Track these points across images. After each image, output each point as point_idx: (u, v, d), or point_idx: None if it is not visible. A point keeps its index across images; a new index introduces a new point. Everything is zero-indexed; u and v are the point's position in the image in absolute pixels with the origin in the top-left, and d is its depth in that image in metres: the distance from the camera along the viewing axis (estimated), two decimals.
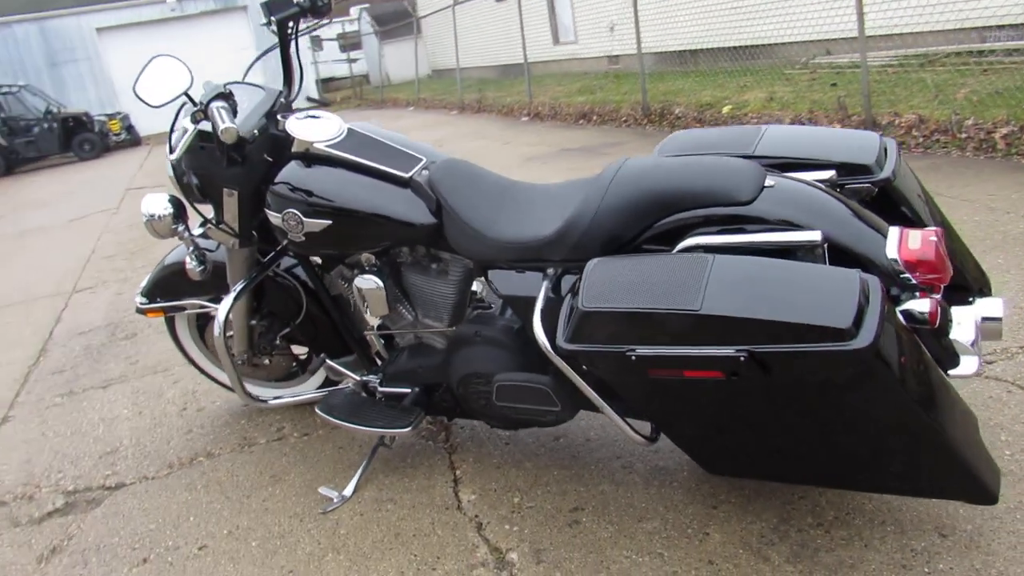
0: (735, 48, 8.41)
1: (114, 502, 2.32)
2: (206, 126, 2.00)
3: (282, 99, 2.18)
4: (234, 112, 2.02)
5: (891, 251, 1.54)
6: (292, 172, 2.00)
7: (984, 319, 1.72)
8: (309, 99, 17.51)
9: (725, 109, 7.34)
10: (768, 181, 1.63)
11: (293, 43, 2.19)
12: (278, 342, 2.46)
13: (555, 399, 1.83)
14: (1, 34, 18.17)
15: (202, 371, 2.73)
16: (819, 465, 1.59)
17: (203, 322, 2.62)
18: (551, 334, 1.62)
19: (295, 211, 1.96)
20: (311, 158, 2.02)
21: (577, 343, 1.52)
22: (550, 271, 1.78)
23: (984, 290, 1.87)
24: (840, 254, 1.55)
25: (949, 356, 1.61)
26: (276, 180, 2.00)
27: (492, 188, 1.96)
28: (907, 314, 1.50)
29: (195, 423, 2.74)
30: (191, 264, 2.21)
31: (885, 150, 1.79)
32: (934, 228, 1.64)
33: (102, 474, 2.50)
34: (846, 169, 1.75)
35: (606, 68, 12.83)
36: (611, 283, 1.52)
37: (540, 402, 1.85)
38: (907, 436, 1.41)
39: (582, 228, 1.70)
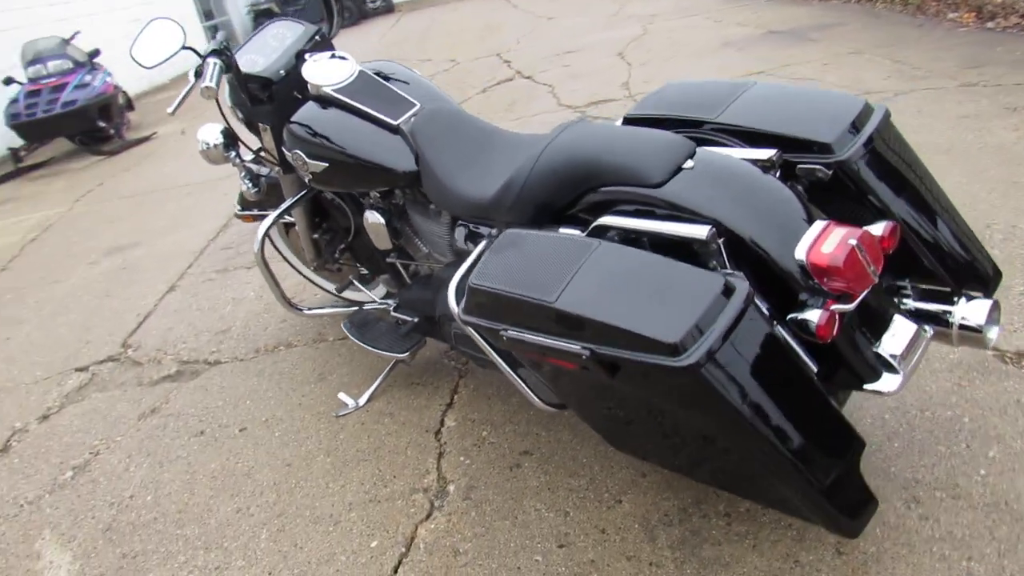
0: None
1: (207, 377, 2.81)
2: (245, 67, 2.23)
3: (318, 37, 2.32)
4: (262, 52, 2.23)
5: (800, 252, 1.40)
6: (304, 113, 2.17)
7: (962, 326, 1.53)
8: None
9: None
10: (687, 163, 1.52)
11: None
12: (338, 255, 2.73)
13: None
14: None
15: (294, 268, 3.10)
16: (693, 465, 1.55)
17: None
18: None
19: (300, 151, 2.14)
20: (323, 100, 2.17)
21: (467, 314, 1.59)
22: (493, 231, 1.83)
23: (988, 287, 1.63)
24: (746, 249, 1.45)
25: (868, 369, 1.46)
26: (290, 120, 2.18)
27: (469, 139, 1.99)
28: (797, 324, 1.38)
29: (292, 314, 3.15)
30: (245, 187, 2.51)
31: (857, 124, 1.56)
32: (885, 224, 1.45)
33: (209, 350, 3.00)
34: (802, 146, 1.57)
35: None
36: (504, 259, 1.55)
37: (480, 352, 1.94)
38: (752, 459, 1.35)
39: (515, 192, 1.72)
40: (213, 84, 1.97)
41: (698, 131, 1.71)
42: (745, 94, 1.73)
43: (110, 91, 7.58)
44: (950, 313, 1.56)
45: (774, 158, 1.55)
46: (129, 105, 8.60)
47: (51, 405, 2.83)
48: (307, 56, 2.25)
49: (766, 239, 1.44)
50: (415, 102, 2.12)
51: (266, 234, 2.41)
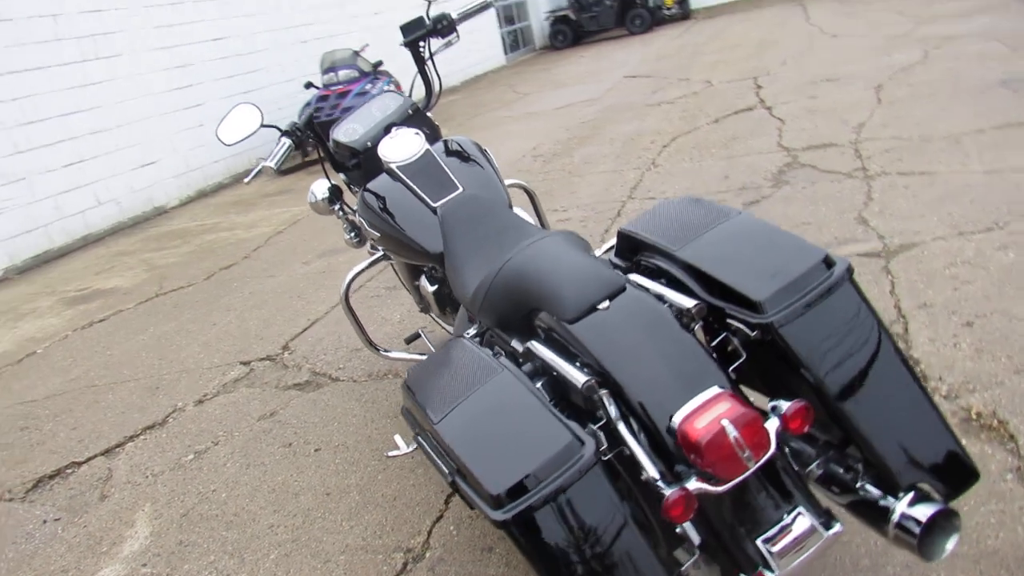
0: None
1: (322, 392, 3.19)
2: (339, 136, 2.50)
3: (410, 111, 2.52)
4: (362, 122, 2.49)
5: (677, 419, 1.32)
6: (375, 183, 2.38)
7: (900, 526, 1.35)
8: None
9: None
10: (603, 303, 1.49)
11: (429, 60, 2.50)
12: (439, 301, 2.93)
13: None
14: None
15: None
16: None
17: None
18: None
19: (363, 218, 2.36)
20: (392, 174, 2.37)
21: (403, 410, 1.72)
22: (472, 328, 1.90)
23: (952, 488, 1.38)
24: (629, 406, 1.39)
25: (745, 559, 1.33)
26: (363, 188, 2.41)
27: (484, 232, 2.07)
28: (656, 496, 1.32)
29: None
30: (346, 237, 2.79)
31: (801, 283, 1.40)
32: (793, 403, 1.31)
33: (337, 366, 3.39)
34: (738, 299, 1.45)
35: None
36: (434, 364, 1.64)
37: None
38: None
39: (481, 298, 1.79)
40: (272, 164, 2.25)
41: (664, 261, 1.64)
42: (718, 227, 1.62)
43: None
44: (891, 509, 1.36)
45: (694, 310, 1.45)
46: None
47: (208, 391, 3.40)
48: (394, 129, 2.46)
49: (650, 398, 1.37)
50: (459, 186, 2.23)
51: (350, 282, 2.69)
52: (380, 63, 8.85)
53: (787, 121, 5.86)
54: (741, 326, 1.43)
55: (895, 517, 1.35)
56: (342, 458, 2.65)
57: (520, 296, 1.66)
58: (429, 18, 2.48)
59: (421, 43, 2.46)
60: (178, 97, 7.97)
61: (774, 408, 1.34)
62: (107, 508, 2.68)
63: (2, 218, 6.23)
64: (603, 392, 1.41)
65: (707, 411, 1.29)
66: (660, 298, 1.52)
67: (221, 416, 3.15)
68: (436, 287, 2.38)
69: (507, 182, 2.69)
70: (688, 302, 1.46)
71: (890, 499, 1.37)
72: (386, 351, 2.92)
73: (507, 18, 17.00)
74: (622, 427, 1.41)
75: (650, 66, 10.80)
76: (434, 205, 2.21)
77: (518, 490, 1.26)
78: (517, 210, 2.52)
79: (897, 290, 2.90)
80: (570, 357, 1.49)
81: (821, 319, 1.40)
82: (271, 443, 2.86)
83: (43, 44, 6.61)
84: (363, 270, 2.69)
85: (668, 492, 1.27)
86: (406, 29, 2.45)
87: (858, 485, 1.44)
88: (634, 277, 1.63)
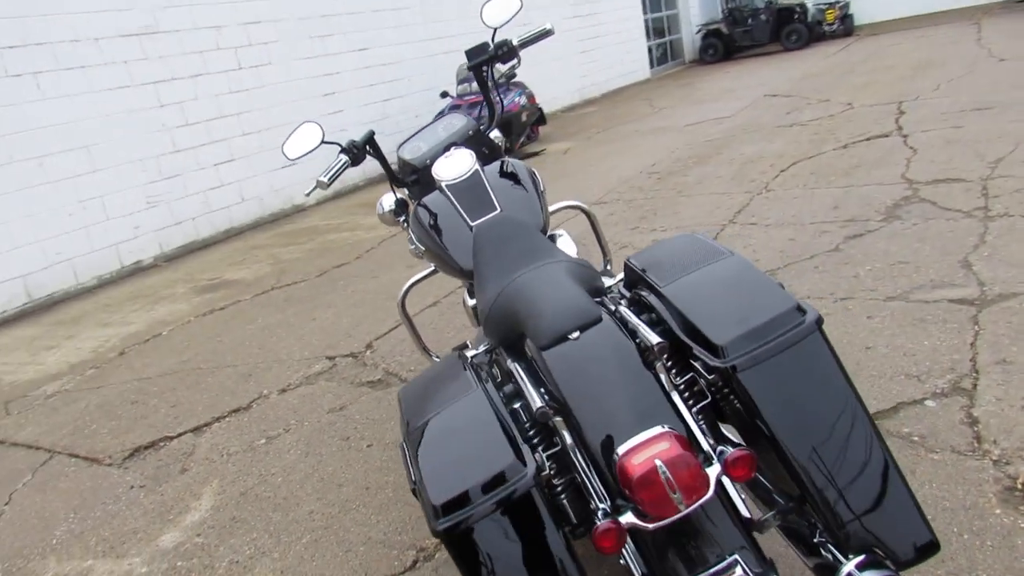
0: None
1: (390, 391, 3.35)
2: (403, 153, 2.65)
3: (471, 132, 2.63)
4: (426, 140, 2.63)
5: (620, 453, 1.35)
6: (427, 199, 2.50)
7: None
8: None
9: None
10: (574, 334, 1.53)
11: (491, 83, 2.60)
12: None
13: None
14: None
15: None
16: None
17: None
18: None
19: (412, 232, 2.49)
20: (442, 190, 2.48)
21: None
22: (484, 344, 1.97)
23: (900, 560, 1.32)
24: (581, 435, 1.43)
25: None
26: (417, 203, 2.53)
27: (508, 254, 2.13)
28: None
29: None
30: (410, 248, 2.93)
31: (764, 330, 1.38)
32: (737, 450, 1.31)
33: (409, 368, 3.55)
34: (704, 342, 1.44)
35: None
36: (429, 376, 1.74)
37: None
38: None
39: (484, 319, 1.87)
40: (325, 179, 2.41)
41: (652, 296, 1.65)
42: (705, 268, 1.61)
43: (514, 110, 8.72)
44: (838, 570, 1.32)
45: (656, 348, 1.45)
46: (540, 120, 9.73)
47: (292, 382, 3.66)
48: (452, 148, 2.57)
49: (599, 430, 1.39)
50: (498, 207, 2.31)
51: (407, 291, 2.83)
52: (514, 75, 9.07)
53: (919, 151, 5.52)
54: (700, 368, 1.43)
55: None
56: (388, 456, 2.80)
57: (512, 319, 1.72)
58: (492, 44, 2.59)
59: (485, 67, 2.57)
60: (322, 104, 8.52)
61: (720, 453, 1.33)
62: (183, 480, 2.96)
63: (157, 210, 6.92)
64: (557, 419, 1.45)
65: (645, 449, 1.30)
66: (634, 333, 1.54)
67: (297, 406, 3.39)
68: (474, 302, 2.47)
69: (567, 204, 2.75)
70: (654, 339, 1.47)
71: (841, 559, 1.33)
72: (436, 356, 3.04)
73: (656, 30, 16.86)
74: (574, 456, 1.45)
75: (793, 85, 10.42)
76: (472, 224, 2.30)
77: (456, 503, 1.33)
78: (563, 234, 2.58)
79: (979, 342, 2.70)
80: (539, 382, 1.54)
81: (783, 369, 1.37)
82: (332, 435, 3.05)
83: (204, 53, 7.28)
84: (418, 281, 2.82)
85: (599, 523, 1.30)
86: (471, 54, 2.57)
87: (815, 541, 1.41)
88: (622, 310, 1.65)
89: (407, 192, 2.81)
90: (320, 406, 3.34)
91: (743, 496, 1.47)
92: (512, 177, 2.46)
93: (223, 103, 7.44)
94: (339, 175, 2.43)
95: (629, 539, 1.36)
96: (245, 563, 2.37)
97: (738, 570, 1.31)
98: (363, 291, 4.87)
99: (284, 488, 2.73)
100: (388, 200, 2.86)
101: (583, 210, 2.80)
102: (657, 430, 1.33)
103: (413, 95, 9.76)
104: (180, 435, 3.34)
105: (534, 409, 1.43)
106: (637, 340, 1.51)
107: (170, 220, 6.99)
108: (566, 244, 2.51)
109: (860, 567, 1.30)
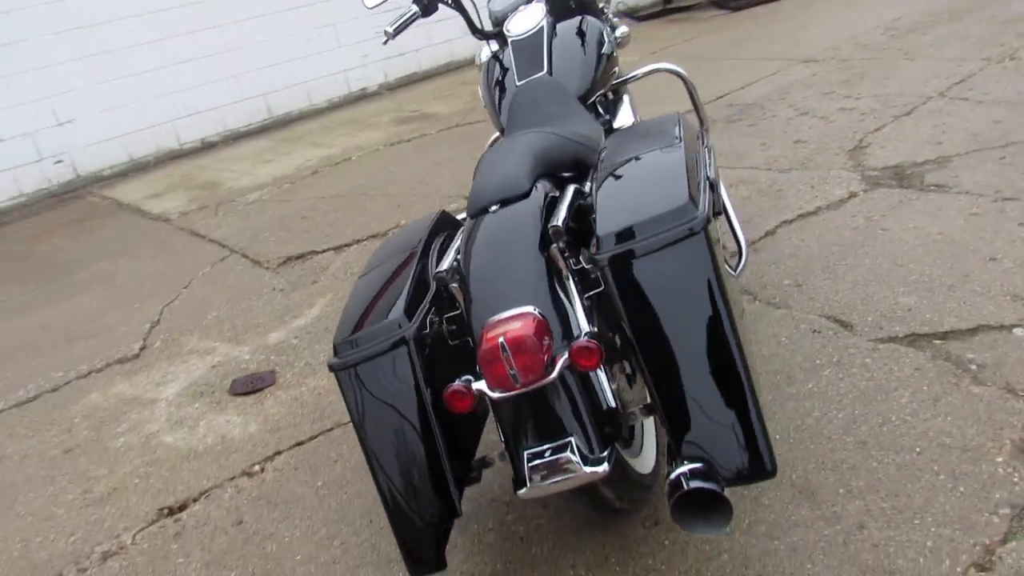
0: None
1: None
2: (493, 5, 2.65)
3: None
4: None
5: (486, 325, 1.42)
6: (503, 54, 2.49)
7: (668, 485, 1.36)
8: None
9: None
10: (493, 207, 1.57)
11: None
12: None
13: None
14: None
15: None
16: None
17: None
18: None
19: (480, 86, 2.52)
20: (508, 45, 2.45)
21: None
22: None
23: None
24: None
25: (517, 466, 1.42)
26: (492, 56, 2.53)
27: (530, 116, 2.12)
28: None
29: None
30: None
31: (645, 227, 1.32)
32: (581, 340, 1.33)
33: None
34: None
35: None
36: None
37: None
38: None
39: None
40: (391, 30, 2.47)
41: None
42: (645, 154, 1.54)
43: None
44: (669, 471, 1.34)
45: (551, 231, 1.45)
46: None
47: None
48: (534, 2, 2.51)
49: (479, 301, 1.46)
50: (545, 68, 2.27)
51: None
52: None
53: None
54: (585, 258, 1.42)
55: (669, 479, 1.32)
56: None
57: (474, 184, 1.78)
58: None
59: None
60: None
61: (571, 340, 1.35)
62: (311, 290, 3.40)
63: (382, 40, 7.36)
64: (454, 286, 1.54)
65: (501, 327, 1.37)
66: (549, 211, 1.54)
67: None
68: None
69: (658, 67, 2.61)
70: (555, 222, 1.47)
71: (675, 464, 1.34)
72: None
73: None
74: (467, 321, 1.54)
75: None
76: (517, 83, 2.30)
77: (347, 346, 1.51)
78: (625, 100, 2.48)
79: None
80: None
81: (651, 269, 1.33)
82: None
83: None
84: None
85: (453, 385, 1.41)
86: None
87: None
88: (568, 191, 1.62)
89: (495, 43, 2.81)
90: None
91: (613, 386, 1.48)
92: (581, 36, 2.39)
93: None
94: (407, 26, 2.50)
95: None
96: (316, 367, 2.76)
97: (566, 450, 1.36)
98: None
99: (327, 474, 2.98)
100: (485, 52, 2.88)
101: (677, 73, 2.64)
102: (519, 310, 1.38)
103: None
104: (324, 251, 3.80)
105: (433, 276, 1.53)
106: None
107: (394, 51, 7.42)
108: (624, 111, 2.42)
109: (690, 475, 1.30)
